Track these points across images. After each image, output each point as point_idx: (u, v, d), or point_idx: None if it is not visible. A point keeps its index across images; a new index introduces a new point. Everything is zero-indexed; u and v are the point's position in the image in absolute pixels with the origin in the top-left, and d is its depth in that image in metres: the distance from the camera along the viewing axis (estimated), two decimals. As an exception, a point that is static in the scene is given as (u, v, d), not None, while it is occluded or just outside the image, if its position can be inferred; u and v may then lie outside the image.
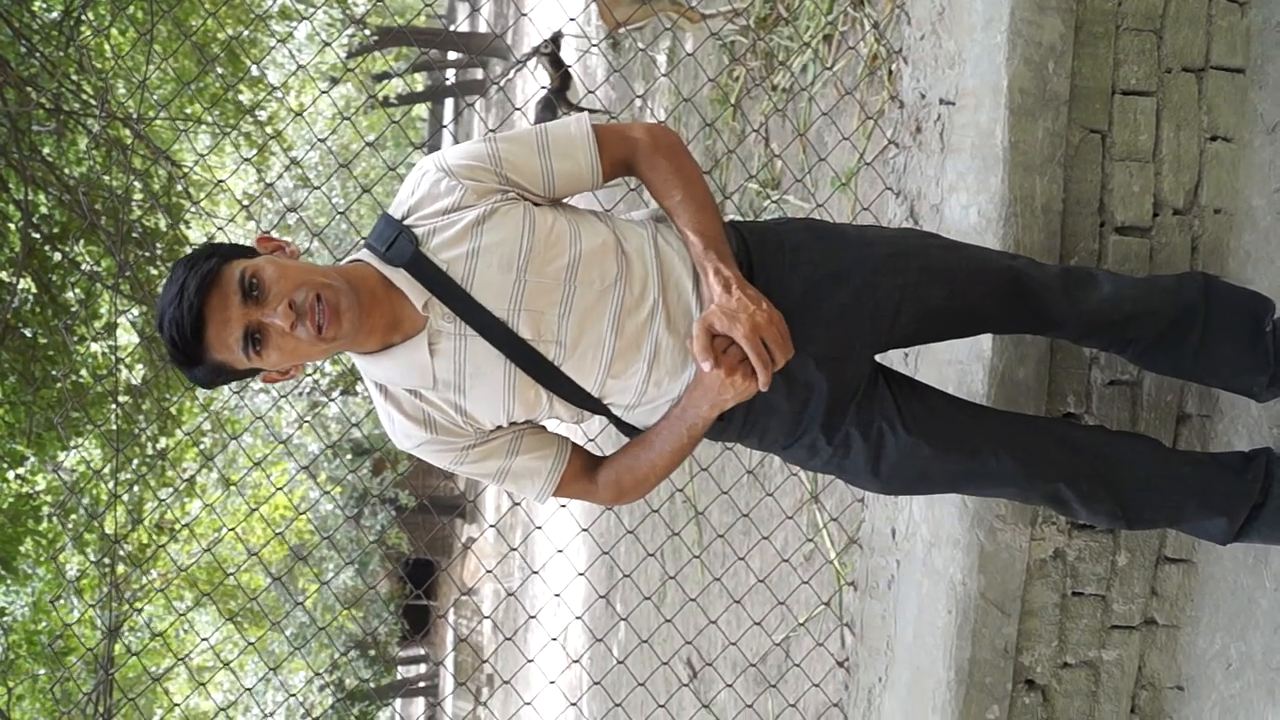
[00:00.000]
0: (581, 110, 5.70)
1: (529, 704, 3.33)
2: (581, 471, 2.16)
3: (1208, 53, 2.67)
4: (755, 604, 3.64)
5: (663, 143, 2.07)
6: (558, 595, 3.66)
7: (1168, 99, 2.66)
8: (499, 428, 2.08)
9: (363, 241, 2.07)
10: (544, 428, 2.17)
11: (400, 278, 1.96)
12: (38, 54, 7.34)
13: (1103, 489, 2.23)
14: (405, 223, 1.99)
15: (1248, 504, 2.24)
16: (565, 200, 2.11)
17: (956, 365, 2.68)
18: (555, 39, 5.62)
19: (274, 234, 2.05)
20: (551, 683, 3.65)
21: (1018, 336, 2.55)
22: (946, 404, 2.27)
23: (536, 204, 2.03)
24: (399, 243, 1.97)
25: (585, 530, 3.78)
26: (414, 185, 2.02)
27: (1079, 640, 2.75)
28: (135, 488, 8.29)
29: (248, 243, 1.98)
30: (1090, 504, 2.23)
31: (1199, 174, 2.66)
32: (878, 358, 2.25)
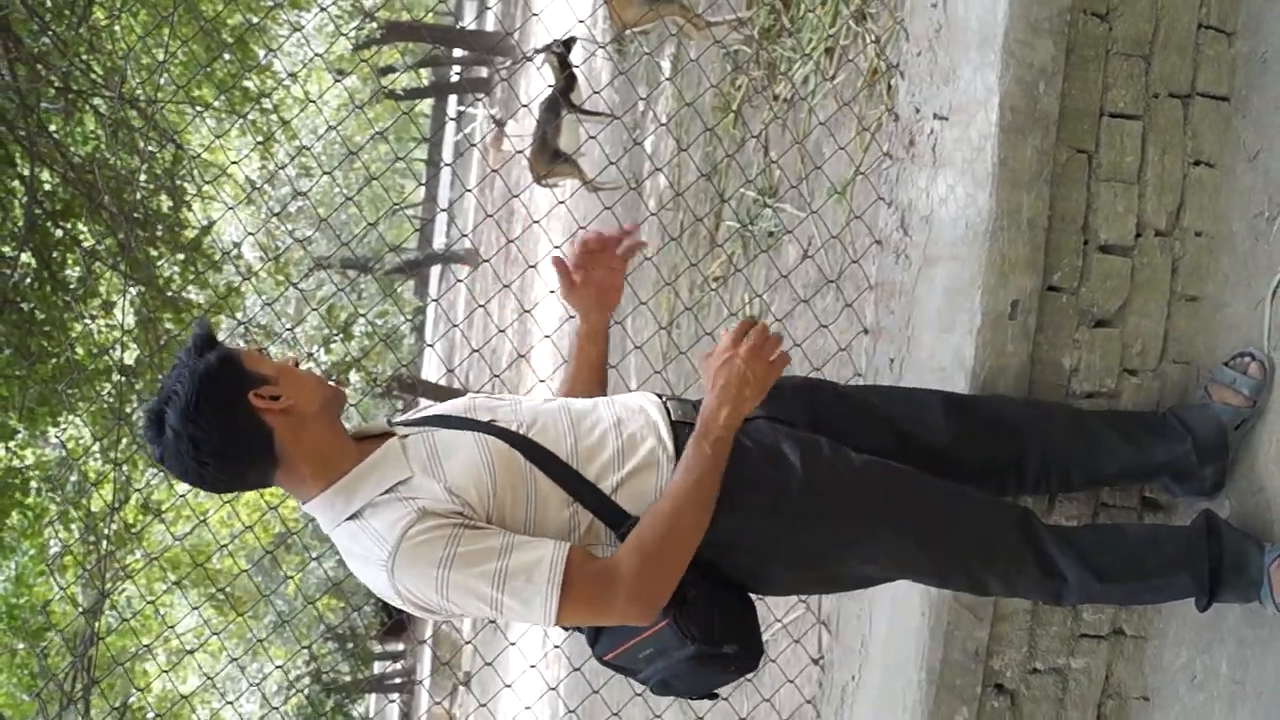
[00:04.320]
0: (586, 112, 5.77)
1: None
2: (590, 554, 1.96)
3: (1194, 80, 2.74)
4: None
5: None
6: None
7: (1154, 123, 2.73)
8: (489, 521, 1.97)
9: None
10: None
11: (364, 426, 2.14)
12: (50, 32, 7.39)
13: (1079, 541, 2.33)
14: None
15: (1206, 562, 2.32)
16: None
17: (939, 372, 2.75)
18: (567, 43, 5.69)
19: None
20: (527, 706, 3.71)
21: (999, 345, 2.62)
22: None
23: None
24: None
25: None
26: None
27: (1048, 647, 2.81)
28: (124, 467, 8.33)
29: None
30: (1065, 552, 2.28)
31: (1181, 197, 2.73)
32: None
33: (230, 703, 3.73)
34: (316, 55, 4.69)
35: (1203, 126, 2.74)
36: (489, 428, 2.06)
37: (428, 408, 2.24)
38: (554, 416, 2.12)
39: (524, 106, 4.37)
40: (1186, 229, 2.73)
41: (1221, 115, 2.75)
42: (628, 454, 2.08)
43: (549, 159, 5.83)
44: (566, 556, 1.89)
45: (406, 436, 2.06)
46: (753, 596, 2.23)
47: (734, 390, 2.02)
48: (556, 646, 4.48)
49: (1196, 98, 2.75)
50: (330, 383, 2.08)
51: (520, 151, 5.03)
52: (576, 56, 5.90)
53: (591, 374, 2.45)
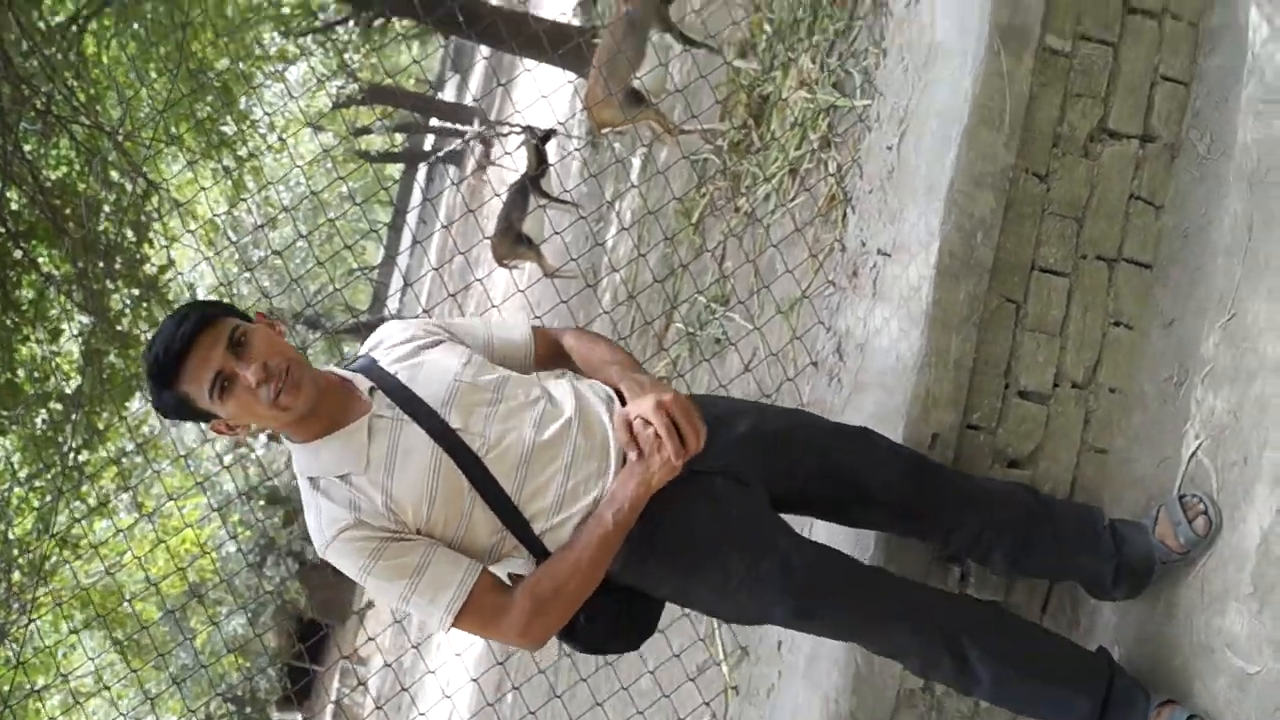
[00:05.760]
0: (554, 200, 5.94)
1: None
2: (494, 585, 2.18)
3: (1121, 246, 2.92)
4: (643, 695, 3.77)
5: (588, 331, 2.50)
6: (448, 697, 3.81)
7: (1080, 282, 2.90)
8: (418, 532, 2.17)
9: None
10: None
11: (354, 376, 2.26)
12: (39, 53, 7.45)
13: (995, 639, 2.37)
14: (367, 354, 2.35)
15: (1103, 689, 2.39)
16: None
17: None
18: (547, 134, 5.89)
19: (264, 313, 2.30)
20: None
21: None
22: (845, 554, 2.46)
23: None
24: (359, 360, 2.32)
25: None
26: (374, 337, 2.40)
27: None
28: (49, 497, 8.23)
29: (249, 313, 2.23)
30: (983, 649, 2.33)
31: (1099, 354, 2.89)
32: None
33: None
34: (295, 107, 4.78)
35: (1125, 290, 2.91)
36: (452, 441, 2.18)
37: (419, 357, 2.31)
38: (518, 439, 2.21)
39: (496, 195, 4.52)
40: (1101, 384, 2.89)
41: (1144, 282, 2.92)
42: (567, 504, 2.21)
43: (512, 242, 5.98)
44: (471, 589, 2.13)
45: (380, 417, 2.19)
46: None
47: (645, 465, 2.17)
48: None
49: (1122, 263, 2.92)
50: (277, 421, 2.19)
51: (487, 236, 5.16)
52: (552, 149, 6.09)
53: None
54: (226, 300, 2.55)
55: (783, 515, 2.47)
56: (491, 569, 2.24)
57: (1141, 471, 2.78)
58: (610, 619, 2.31)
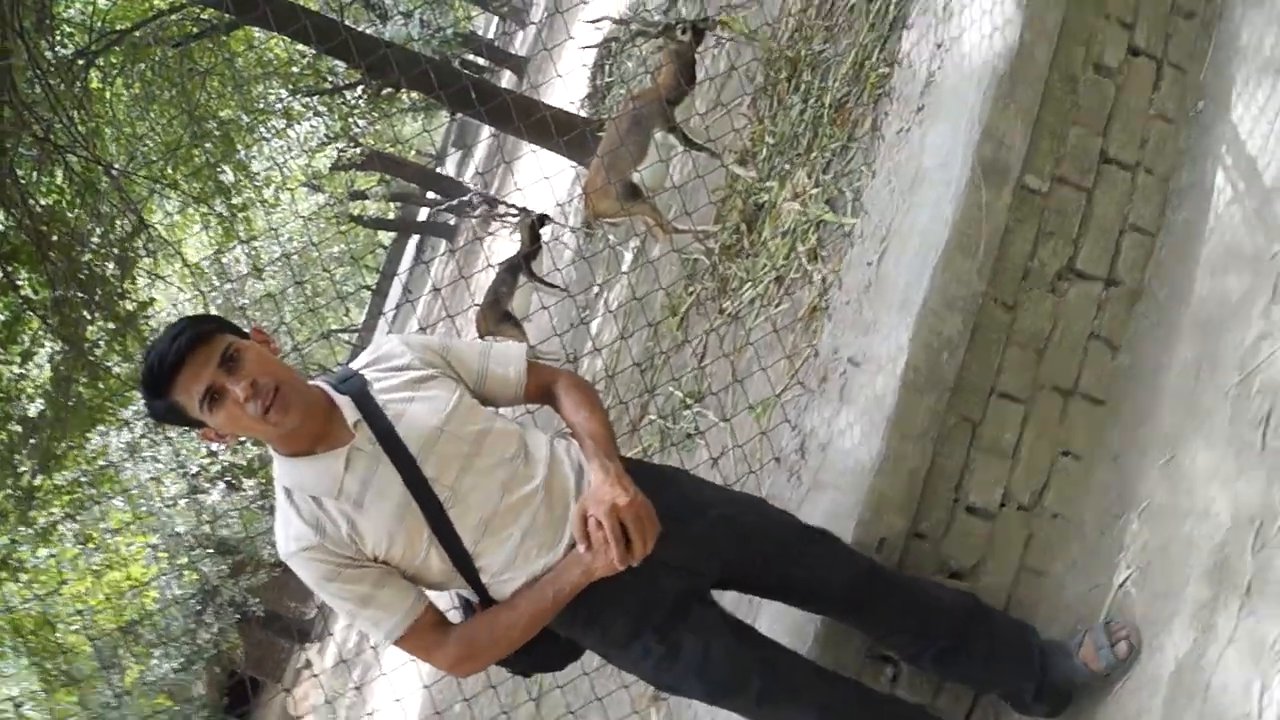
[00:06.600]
0: (543, 283, 6.09)
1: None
2: (435, 624, 2.32)
3: (1078, 380, 3.07)
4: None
5: (581, 381, 2.57)
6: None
7: (1035, 410, 3.04)
8: (376, 560, 2.29)
9: (321, 377, 2.45)
10: (412, 582, 2.36)
11: (343, 401, 2.33)
12: (44, 82, 7.59)
13: None
14: (361, 371, 2.42)
15: None
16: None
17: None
18: (542, 218, 6.07)
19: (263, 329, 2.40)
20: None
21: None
22: (766, 639, 2.58)
23: (469, 389, 2.45)
24: (352, 380, 2.38)
25: (427, 687, 3.99)
26: (373, 350, 2.47)
27: None
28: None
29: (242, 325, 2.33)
30: None
31: (1047, 480, 3.02)
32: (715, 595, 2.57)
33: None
34: (295, 164, 4.93)
35: (1077, 422, 3.05)
36: (423, 491, 2.28)
37: (409, 393, 2.37)
38: (484, 499, 2.32)
39: (491, 266, 4.67)
40: (1046, 509, 3.02)
41: (1096, 416, 3.06)
42: (517, 565, 2.33)
43: (498, 318, 6.13)
44: (412, 623, 2.29)
45: (360, 451, 2.29)
46: None
47: (591, 558, 2.27)
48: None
49: (1077, 396, 3.07)
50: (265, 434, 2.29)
51: (476, 303, 5.27)
52: (547, 231, 6.25)
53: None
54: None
55: (731, 591, 2.60)
56: (437, 593, 2.39)
57: (1073, 595, 2.89)
58: (540, 650, 2.43)
